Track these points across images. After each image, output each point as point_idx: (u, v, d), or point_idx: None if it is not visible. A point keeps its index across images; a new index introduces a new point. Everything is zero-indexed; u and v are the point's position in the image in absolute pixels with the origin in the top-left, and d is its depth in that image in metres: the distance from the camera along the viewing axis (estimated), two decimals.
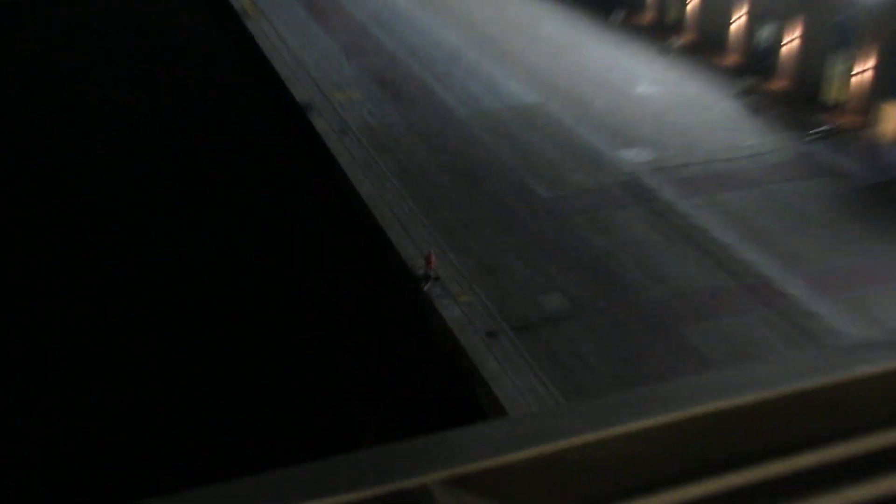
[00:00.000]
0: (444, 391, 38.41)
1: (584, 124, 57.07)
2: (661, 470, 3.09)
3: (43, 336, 39.41)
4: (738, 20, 64.08)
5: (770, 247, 43.98)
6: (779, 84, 61.25)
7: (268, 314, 43.33)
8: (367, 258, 46.98)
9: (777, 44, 61.19)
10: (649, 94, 61.64)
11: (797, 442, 3.24)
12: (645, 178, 49.99)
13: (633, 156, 52.94)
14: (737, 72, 62.09)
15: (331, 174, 53.18)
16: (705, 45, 66.03)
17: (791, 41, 60.53)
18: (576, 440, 3.04)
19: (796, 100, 59.51)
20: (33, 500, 30.78)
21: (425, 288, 40.34)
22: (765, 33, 62.19)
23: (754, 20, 62.64)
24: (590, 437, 3.06)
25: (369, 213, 46.97)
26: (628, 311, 39.44)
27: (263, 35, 68.75)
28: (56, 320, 40.58)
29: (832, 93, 57.63)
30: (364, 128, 56.09)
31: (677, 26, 68.67)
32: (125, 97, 64.26)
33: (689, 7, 68.28)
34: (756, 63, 61.88)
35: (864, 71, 55.88)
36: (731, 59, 64.22)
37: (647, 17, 71.19)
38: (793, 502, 3.03)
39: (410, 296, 41.34)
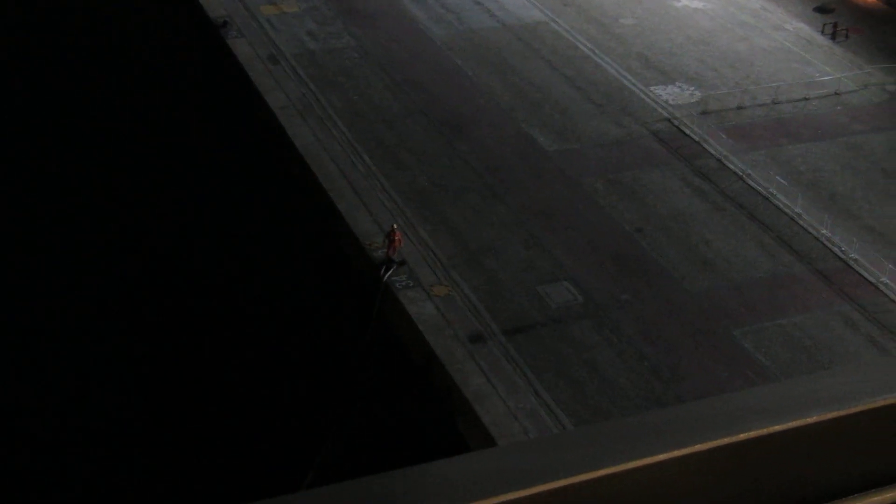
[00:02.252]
0: (414, 414, 39.54)
1: (606, 50, 58.05)
2: None
3: None
4: None
5: (853, 219, 45.29)
6: None
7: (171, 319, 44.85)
8: (304, 234, 47.89)
9: None
10: (696, 8, 62.71)
11: (881, 472, 3.46)
12: (687, 125, 51.13)
13: (672, 94, 54.04)
14: None
15: (255, 118, 53.84)
16: None
17: None
18: (585, 476, 3.25)
19: (892, 19, 60.73)
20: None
21: (386, 276, 41.28)
22: None
23: None
24: (602, 471, 3.27)
25: (308, 172, 47.70)
26: (661, 307, 40.66)
27: None
28: None
29: None
30: (303, 54, 56.78)
31: None
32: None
33: None
34: None
35: None
36: None
37: None
38: None
39: (366, 287, 42.30)
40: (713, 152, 49.31)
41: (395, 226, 42.33)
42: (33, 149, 55.23)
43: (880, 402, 3.59)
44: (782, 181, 46.79)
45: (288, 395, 41.29)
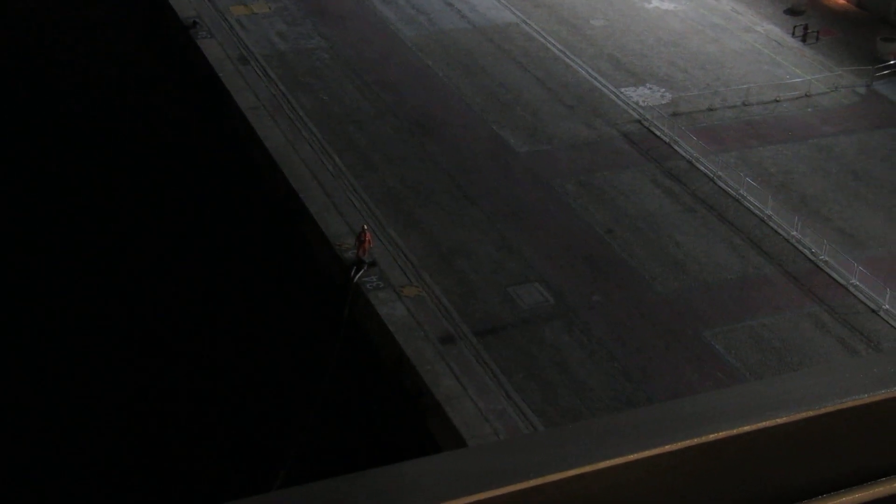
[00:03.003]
0: (385, 415, 39.51)
1: (576, 51, 58.16)
2: None
3: None
4: None
5: (823, 221, 45.52)
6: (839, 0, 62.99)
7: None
8: (275, 235, 47.78)
9: None
10: (667, 9, 62.92)
11: (849, 472, 3.48)
12: (657, 127, 51.27)
13: (643, 96, 54.19)
14: None
15: (225, 119, 53.70)
16: None
17: None
18: (555, 476, 3.28)
19: (863, 22, 61.14)
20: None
21: (356, 277, 41.24)
22: None
23: None
24: (573, 471, 3.30)
25: (279, 173, 47.61)
26: (632, 308, 40.76)
27: None
28: None
29: None
30: (273, 55, 56.67)
31: None
32: None
33: None
34: None
35: None
36: None
37: None
38: None
39: (337, 288, 42.26)
40: (684, 154, 49.48)
41: (365, 227, 42.34)
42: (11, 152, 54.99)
43: (849, 403, 3.62)
44: (753, 183, 46.98)
45: (258, 396, 41.16)
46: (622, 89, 54.60)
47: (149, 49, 62.99)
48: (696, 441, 3.50)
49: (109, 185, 51.95)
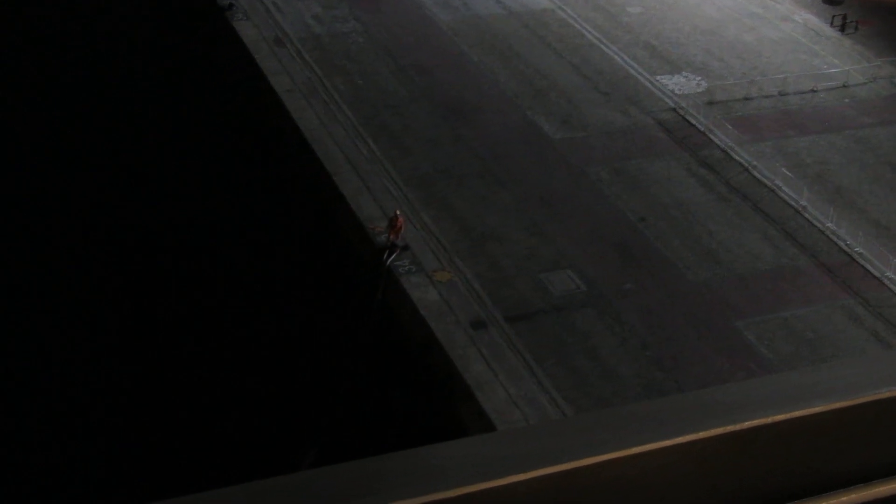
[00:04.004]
0: (415, 399, 39.52)
1: (612, 38, 57.92)
2: (699, 500, 3.33)
3: None
4: None
5: (858, 213, 45.19)
6: None
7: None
8: (309, 218, 47.85)
9: None
10: None
11: (882, 462, 3.49)
12: (693, 115, 51.00)
13: (678, 84, 53.91)
14: None
15: (261, 102, 53.75)
16: None
17: None
18: (586, 461, 3.28)
19: None
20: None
21: (389, 261, 41.25)
22: None
23: None
24: (605, 456, 3.31)
25: (313, 157, 47.67)
26: (664, 297, 40.58)
27: None
28: None
29: None
30: (308, 38, 56.69)
31: None
32: None
33: None
34: None
35: None
36: None
37: None
38: None
39: (369, 272, 42.25)
40: (719, 143, 49.20)
41: (398, 211, 42.32)
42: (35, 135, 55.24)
43: (883, 395, 3.59)
44: (788, 173, 46.67)
45: (288, 378, 41.28)
46: (658, 77, 54.34)
47: (183, 31, 63.12)
48: (728, 429, 3.48)
49: (140, 170, 52.15)
